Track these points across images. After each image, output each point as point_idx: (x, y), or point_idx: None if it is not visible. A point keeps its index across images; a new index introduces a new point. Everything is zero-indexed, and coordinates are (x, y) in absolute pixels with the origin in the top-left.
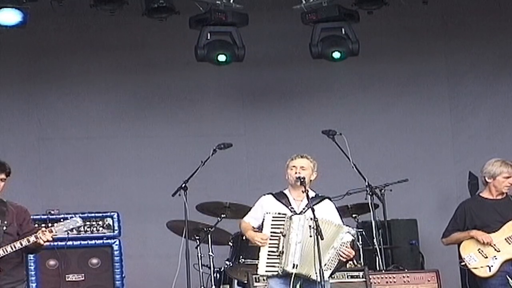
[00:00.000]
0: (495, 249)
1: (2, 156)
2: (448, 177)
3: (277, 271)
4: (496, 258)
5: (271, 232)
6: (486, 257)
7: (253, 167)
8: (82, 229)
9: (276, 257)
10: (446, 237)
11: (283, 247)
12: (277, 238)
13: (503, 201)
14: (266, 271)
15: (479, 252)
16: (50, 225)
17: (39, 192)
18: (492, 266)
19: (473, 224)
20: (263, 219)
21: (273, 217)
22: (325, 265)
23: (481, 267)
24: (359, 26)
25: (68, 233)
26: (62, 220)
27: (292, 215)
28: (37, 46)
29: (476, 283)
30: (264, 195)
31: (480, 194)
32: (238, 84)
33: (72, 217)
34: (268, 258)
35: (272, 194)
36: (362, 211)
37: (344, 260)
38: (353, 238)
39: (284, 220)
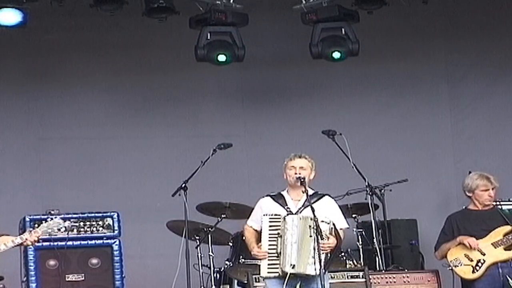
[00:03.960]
0: (481, 253)
1: (2, 156)
2: (448, 177)
3: (278, 272)
4: (482, 262)
5: (269, 234)
6: (472, 260)
7: (253, 167)
8: (82, 229)
9: (276, 258)
10: (437, 250)
11: (280, 249)
12: (275, 239)
13: (489, 211)
14: (268, 273)
15: (465, 256)
16: (36, 226)
17: (39, 192)
18: (477, 269)
19: (459, 234)
20: (262, 222)
21: (269, 219)
22: (312, 257)
23: (466, 270)
24: (359, 26)
25: (68, 233)
26: (45, 221)
27: (286, 215)
28: (37, 46)
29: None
30: (263, 197)
31: (468, 207)
32: (238, 84)
33: (53, 218)
34: (269, 260)
35: (270, 196)
36: (362, 211)
37: (327, 250)
38: (331, 227)
39: (280, 221)
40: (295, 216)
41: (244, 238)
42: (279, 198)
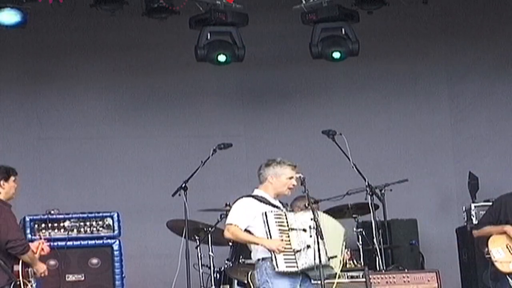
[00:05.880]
0: None
1: (2, 156)
2: (448, 177)
3: (296, 267)
4: None
5: (278, 230)
6: None
7: (253, 167)
8: (82, 229)
9: (292, 252)
10: (477, 229)
11: (305, 242)
12: (287, 234)
13: None
14: (287, 267)
15: (507, 247)
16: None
17: (39, 192)
18: None
19: (506, 219)
20: (266, 219)
21: (275, 215)
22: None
23: (504, 262)
24: (359, 26)
25: (68, 233)
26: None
27: (312, 210)
28: (37, 46)
29: (497, 277)
30: (242, 197)
31: None
32: (238, 84)
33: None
34: (284, 255)
35: (251, 196)
36: (362, 211)
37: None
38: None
39: (283, 217)
40: (320, 212)
41: (231, 237)
42: (262, 199)
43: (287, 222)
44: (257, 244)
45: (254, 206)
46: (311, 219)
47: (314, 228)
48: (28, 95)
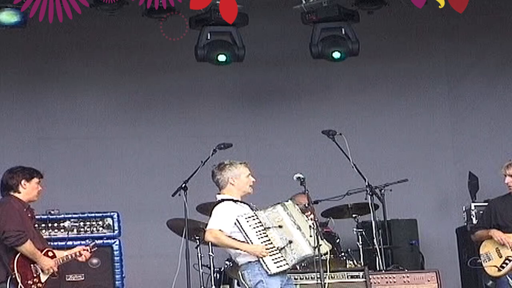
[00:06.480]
0: None
1: (1, 156)
2: (448, 177)
3: (287, 264)
4: (510, 260)
5: (256, 233)
6: (501, 257)
7: (252, 167)
8: (82, 229)
9: (277, 251)
10: (472, 234)
11: (286, 238)
12: (265, 234)
13: None
14: (277, 267)
15: (496, 251)
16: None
17: None
18: (503, 266)
19: (496, 222)
20: (240, 226)
21: (246, 218)
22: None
23: (492, 266)
24: (359, 26)
25: (68, 233)
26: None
27: (279, 203)
28: (37, 46)
29: (489, 279)
30: (222, 201)
31: (510, 192)
32: (238, 84)
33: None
34: (271, 255)
35: (231, 200)
36: (362, 211)
37: None
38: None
39: (255, 218)
40: (287, 203)
41: (214, 241)
42: (238, 201)
43: (260, 222)
44: (241, 250)
45: (235, 210)
46: (311, 219)
47: (314, 228)
48: (28, 94)
